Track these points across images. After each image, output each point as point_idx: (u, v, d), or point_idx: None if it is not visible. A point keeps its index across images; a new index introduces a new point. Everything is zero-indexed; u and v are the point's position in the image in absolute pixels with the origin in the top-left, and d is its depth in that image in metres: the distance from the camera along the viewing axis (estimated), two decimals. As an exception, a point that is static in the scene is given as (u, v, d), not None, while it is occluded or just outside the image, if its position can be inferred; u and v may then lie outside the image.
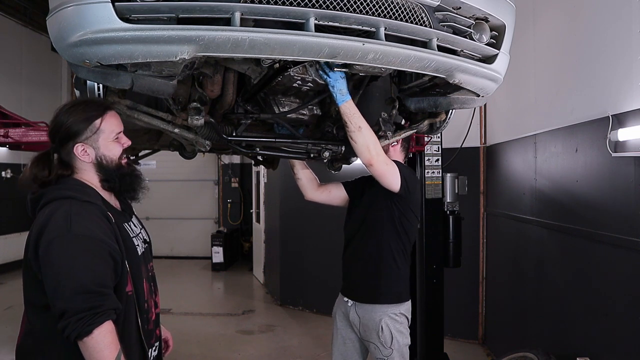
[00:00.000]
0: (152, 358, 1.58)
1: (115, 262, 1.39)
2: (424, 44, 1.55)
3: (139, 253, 1.56)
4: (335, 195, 2.63)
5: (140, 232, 1.64)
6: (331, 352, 2.50)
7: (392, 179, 2.16)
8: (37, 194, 1.45)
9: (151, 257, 1.70)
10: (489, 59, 1.76)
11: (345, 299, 2.42)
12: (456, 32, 1.63)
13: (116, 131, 1.52)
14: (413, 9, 1.51)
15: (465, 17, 1.63)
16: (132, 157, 1.64)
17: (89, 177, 1.50)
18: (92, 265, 1.32)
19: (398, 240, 2.32)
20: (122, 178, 1.54)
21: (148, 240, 1.69)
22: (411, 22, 1.50)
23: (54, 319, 1.30)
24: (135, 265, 1.50)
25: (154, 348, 1.60)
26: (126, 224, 1.57)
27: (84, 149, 1.47)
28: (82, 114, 1.46)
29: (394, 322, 2.27)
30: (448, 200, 3.64)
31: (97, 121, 1.47)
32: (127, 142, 1.56)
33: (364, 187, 2.45)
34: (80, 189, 1.46)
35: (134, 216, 1.68)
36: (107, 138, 1.49)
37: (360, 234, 2.38)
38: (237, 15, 1.27)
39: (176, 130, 1.91)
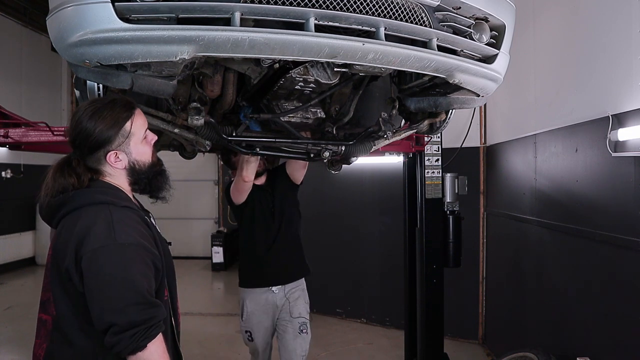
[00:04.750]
0: None
1: (157, 270, 1.34)
2: (424, 44, 1.54)
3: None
4: None
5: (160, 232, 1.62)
6: (253, 345, 2.81)
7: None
8: (61, 198, 1.35)
9: None
10: (489, 59, 1.76)
11: (272, 287, 2.75)
12: (456, 32, 1.62)
13: (145, 128, 1.45)
14: (413, 8, 1.51)
15: (465, 17, 1.63)
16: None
17: (119, 181, 1.43)
18: (142, 275, 1.27)
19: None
20: (154, 178, 1.48)
21: (168, 242, 1.66)
22: (411, 22, 1.50)
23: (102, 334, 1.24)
24: (170, 269, 1.46)
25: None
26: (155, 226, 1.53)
27: (116, 156, 1.39)
28: (110, 118, 1.36)
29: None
30: (448, 200, 3.64)
31: (128, 124, 1.38)
32: (153, 138, 1.49)
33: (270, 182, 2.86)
34: (114, 192, 1.38)
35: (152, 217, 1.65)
36: (138, 140, 1.42)
37: (285, 223, 2.82)
38: (237, 15, 1.27)
39: (176, 130, 1.91)
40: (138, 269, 1.26)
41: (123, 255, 1.25)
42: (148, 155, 1.46)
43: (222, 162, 9.49)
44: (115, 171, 1.42)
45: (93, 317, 1.25)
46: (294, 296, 2.81)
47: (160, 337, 1.27)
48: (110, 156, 1.38)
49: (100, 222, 1.28)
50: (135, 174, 1.44)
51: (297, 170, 2.84)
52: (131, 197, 1.48)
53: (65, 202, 1.35)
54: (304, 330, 2.81)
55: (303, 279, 2.90)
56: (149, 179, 1.47)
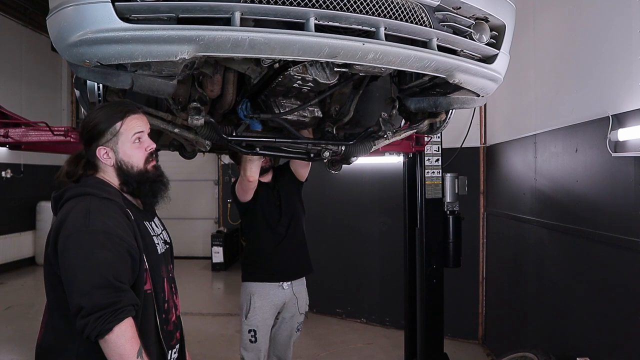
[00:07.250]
0: None
1: (133, 260, 1.38)
2: (424, 44, 1.55)
3: (159, 252, 1.54)
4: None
5: (161, 233, 1.63)
6: (256, 347, 2.70)
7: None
8: (60, 192, 1.44)
9: (172, 259, 1.69)
10: (489, 59, 1.76)
11: (281, 283, 2.75)
12: (456, 32, 1.63)
13: (135, 131, 1.48)
14: (413, 8, 1.51)
15: (465, 17, 1.63)
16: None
17: (111, 178, 1.50)
18: (110, 261, 1.31)
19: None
20: (143, 185, 1.51)
21: (169, 241, 1.68)
22: (411, 22, 1.50)
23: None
24: (154, 263, 1.48)
25: (174, 350, 1.58)
26: (147, 222, 1.56)
27: (106, 152, 1.47)
28: (105, 115, 1.46)
29: None
30: (448, 200, 3.64)
31: (118, 124, 1.46)
32: (150, 145, 1.53)
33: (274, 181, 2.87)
34: (100, 186, 1.45)
35: (156, 217, 1.66)
36: (126, 141, 1.47)
37: (294, 221, 2.84)
38: (237, 15, 1.27)
39: (176, 130, 1.92)
40: (106, 254, 1.31)
41: (93, 241, 1.31)
42: (137, 160, 1.50)
43: (222, 162, 9.59)
44: (107, 168, 1.50)
45: (68, 300, 1.31)
46: (301, 294, 2.84)
47: (128, 321, 1.30)
48: (100, 151, 1.47)
49: (78, 210, 1.35)
50: (123, 174, 1.50)
51: (301, 167, 2.85)
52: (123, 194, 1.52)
53: (61, 196, 1.43)
54: (300, 329, 2.86)
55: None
56: (138, 183, 1.51)
